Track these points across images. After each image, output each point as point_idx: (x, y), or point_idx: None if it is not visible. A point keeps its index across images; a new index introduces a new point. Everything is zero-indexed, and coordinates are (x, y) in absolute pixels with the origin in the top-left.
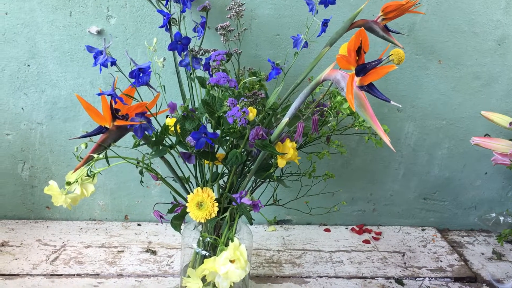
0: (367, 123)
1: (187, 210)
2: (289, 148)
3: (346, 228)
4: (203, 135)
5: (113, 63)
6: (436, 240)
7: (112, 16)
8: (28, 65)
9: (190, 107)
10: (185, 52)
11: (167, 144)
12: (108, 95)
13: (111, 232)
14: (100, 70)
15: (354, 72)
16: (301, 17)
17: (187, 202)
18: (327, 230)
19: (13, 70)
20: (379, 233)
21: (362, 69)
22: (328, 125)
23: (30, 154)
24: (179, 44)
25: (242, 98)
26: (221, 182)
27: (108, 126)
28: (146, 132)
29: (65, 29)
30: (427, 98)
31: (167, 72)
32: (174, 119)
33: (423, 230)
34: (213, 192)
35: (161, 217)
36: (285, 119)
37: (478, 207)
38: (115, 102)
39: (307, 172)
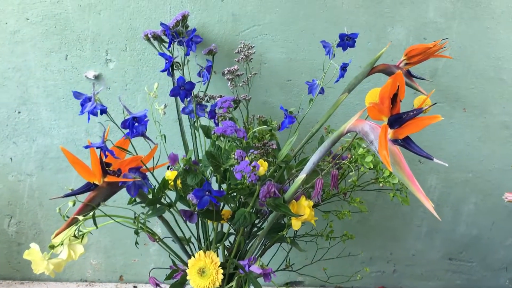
0: (396, 180)
1: (188, 278)
2: (305, 207)
3: None
4: (207, 192)
5: (103, 111)
6: None
7: (111, 59)
8: (19, 112)
9: (193, 159)
10: (188, 99)
11: (165, 202)
12: (97, 147)
13: None
14: (88, 119)
15: (387, 123)
16: (314, 61)
17: (187, 266)
18: None
19: (3, 117)
20: None
21: (397, 120)
22: (349, 180)
23: (17, 208)
24: (182, 90)
25: (252, 150)
26: (226, 242)
27: (97, 183)
28: (142, 190)
29: (59, 74)
30: (452, 148)
31: (169, 120)
32: (175, 173)
33: None
34: (217, 256)
35: (157, 285)
36: (302, 176)
37: (509, 269)
38: (106, 156)
39: (324, 233)
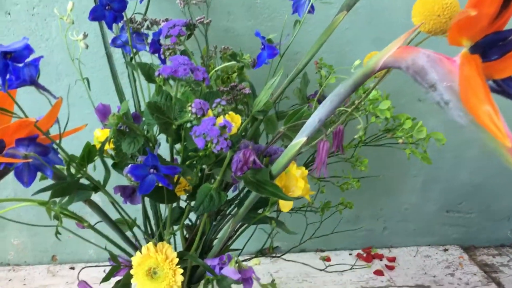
0: (423, 135)
1: (133, 281)
2: (297, 178)
3: (350, 254)
4: (152, 170)
5: None
6: (465, 264)
7: None
8: None
9: (132, 112)
10: (120, 24)
11: (88, 185)
12: None
13: (31, 283)
14: None
15: (474, 50)
16: None
17: (131, 267)
18: (327, 259)
19: None
20: (393, 259)
21: (497, 44)
22: (356, 136)
23: None
24: (108, 10)
25: (218, 100)
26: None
27: None
28: (42, 172)
29: None
30: None
31: (96, 56)
32: (107, 132)
33: (445, 250)
34: (173, 249)
35: None
36: (301, 139)
37: None
38: None
39: (321, 207)
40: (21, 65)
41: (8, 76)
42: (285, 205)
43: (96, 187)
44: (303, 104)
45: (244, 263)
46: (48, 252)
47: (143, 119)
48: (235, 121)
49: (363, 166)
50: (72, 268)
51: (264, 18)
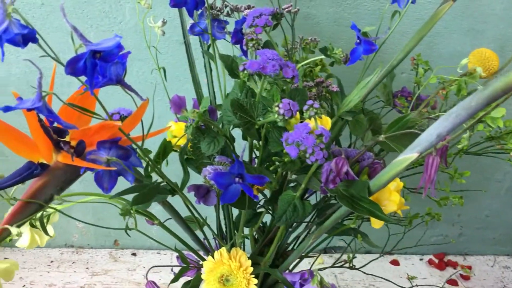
0: None
1: (203, 286)
2: (392, 192)
3: (421, 260)
4: (237, 178)
5: (29, 37)
6: None
7: None
8: None
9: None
10: (199, 11)
11: (165, 188)
12: (30, 109)
13: (94, 266)
14: (2, 54)
15: None
16: None
17: (200, 268)
18: (395, 263)
19: None
20: (468, 267)
21: None
22: (460, 146)
23: None
24: None
25: (310, 101)
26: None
27: (46, 162)
28: (123, 177)
29: None
30: None
31: (172, 43)
32: (182, 126)
33: None
34: (244, 252)
35: None
36: (412, 155)
37: None
38: (50, 123)
39: (409, 218)
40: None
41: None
42: (377, 222)
43: (174, 189)
44: (388, 102)
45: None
46: (110, 236)
47: (219, 113)
48: (325, 124)
49: (460, 177)
50: (134, 254)
51: (348, 5)
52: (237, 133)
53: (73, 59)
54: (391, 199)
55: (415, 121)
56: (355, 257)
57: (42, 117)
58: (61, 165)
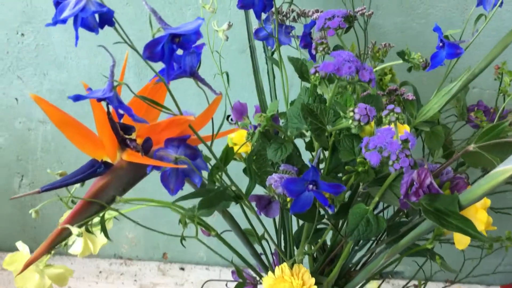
0: None
1: None
2: (478, 210)
3: None
4: (311, 186)
5: (106, 18)
6: None
7: None
8: (22, 34)
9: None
10: (265, 15)
11: (230, 194)
12: (100, 99)
13: (142, 279)
14: (77, 38)
15: None
16: None
17: (259, 277)
18: None
19: (1, 41)
20: None
21: None
22: None
23: (29, 165)
24: None
25: (392, 106)
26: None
27: (109, 161)
28: (189, 178)
29: None
30: None
31: (232, 51)
32: (243, 133)
33: None
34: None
35: None
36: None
37: None
38: (119, 116)
39: (491, 240)
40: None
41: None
42: (462, 241)
43: (238, 196)
44: (461, 116)
45: None
46: (159, 249)
47: (281, 121)
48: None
49: None
50: (182, 269)
51: (417, 15)
52: (299, 143)
53: (151, 42)
54: (478, 218)
55: (508, 131)
56: (424, 283)
57: (111, 110)
58: (125, 165)
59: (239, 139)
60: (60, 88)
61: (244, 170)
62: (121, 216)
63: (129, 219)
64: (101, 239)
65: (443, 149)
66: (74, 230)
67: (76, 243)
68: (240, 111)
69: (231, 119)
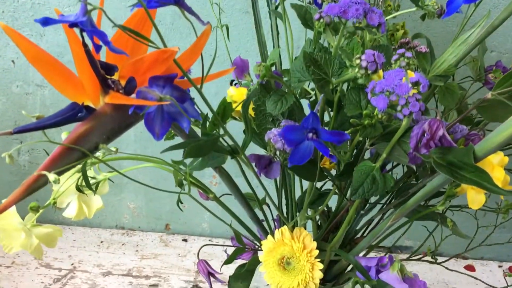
0: None
1: (261, 269)
2: (495, 167)
3: (500, 267)
4: (311, 134)
5: None
6: None
7: None
8: None
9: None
10: None
11: (224, 147)
12: (72, 25)
13: (144, 249)
14: None
15: None
16: None
17: (259, 244)
18: (470, 268)
19: None
20: None
21: None
22: None
23: None
24: None
25: (403, 50)
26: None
27: (91, 105)
28: (177, 123)
29: None
30: None
31: (237, 11)
32: (244, 90)
33: None
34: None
35: (210, 274)
36: None
37: None
38: (97, 48)
39: (506, 206)
40: None
41: None
42: (477, 200)
43: (234, 151)
44: (478, 78)
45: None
46: (162, 220)
47: (285, 79)
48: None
49: None
50: (185, 240)
51: None
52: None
53: None
54: (494, 175)
55: None
56: (435, 250)
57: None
58: (109, 111)
59: (239, 97)
60: (57, 50)
61: (245, 132)
62: (123, 187)
63: (125, 176)
64: (96, 202)
65: (457, 113)
66: (51, 176)
67: (70, 206)
68: (241, 67)
69: (235, 84)
